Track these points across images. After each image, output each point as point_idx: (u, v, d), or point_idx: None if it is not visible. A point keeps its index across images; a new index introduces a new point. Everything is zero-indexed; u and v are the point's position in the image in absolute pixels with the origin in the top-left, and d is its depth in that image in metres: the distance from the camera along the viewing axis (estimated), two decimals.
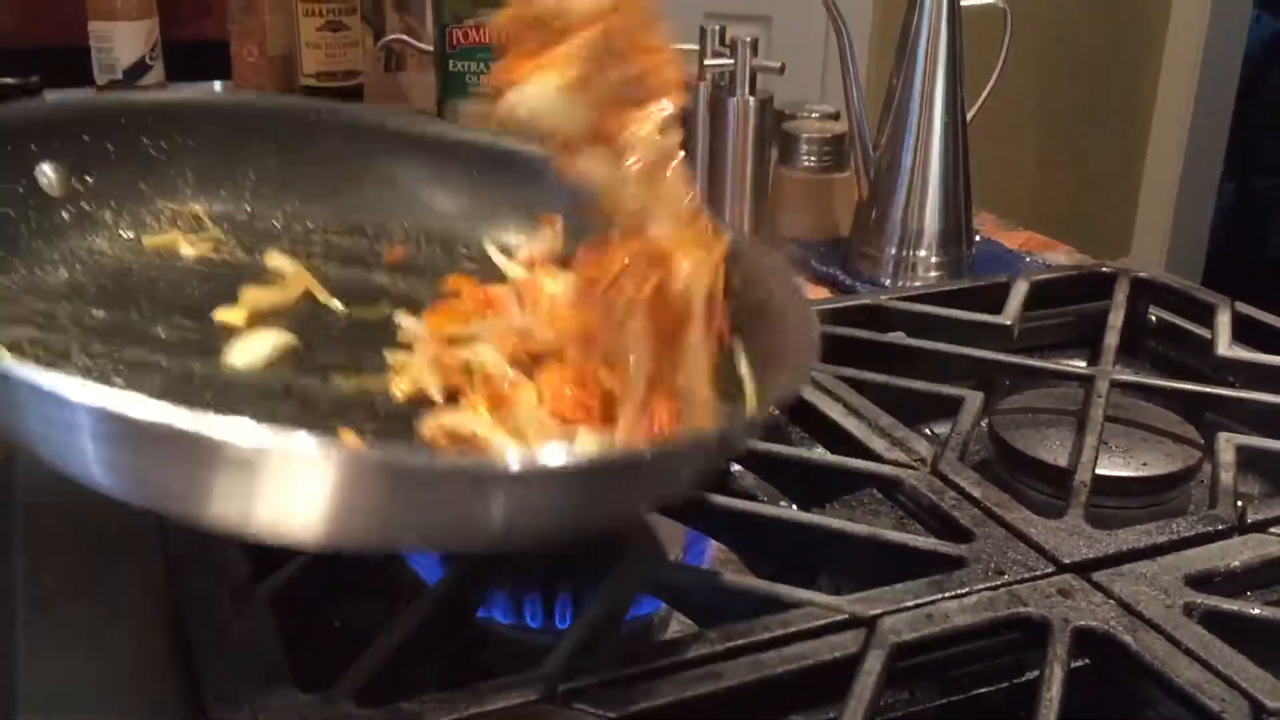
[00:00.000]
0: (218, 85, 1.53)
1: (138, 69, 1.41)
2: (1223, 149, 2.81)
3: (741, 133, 0.96)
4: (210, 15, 2.64)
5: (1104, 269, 0.81)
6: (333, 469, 0.34)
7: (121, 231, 0.56)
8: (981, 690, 0.47)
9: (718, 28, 0.99)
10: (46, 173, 0.55)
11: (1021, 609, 0.46)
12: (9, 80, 2.65)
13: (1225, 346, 0.70)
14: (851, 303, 0.76)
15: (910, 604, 0.46)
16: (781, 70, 0.93)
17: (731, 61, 0.94)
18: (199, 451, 0.34)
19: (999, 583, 0.48)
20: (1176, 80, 2.74)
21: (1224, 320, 0.72)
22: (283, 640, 0.44)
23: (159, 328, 0.53)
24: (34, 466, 0.61)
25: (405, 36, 1.44)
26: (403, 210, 0.61)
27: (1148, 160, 2.80)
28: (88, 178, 0.56)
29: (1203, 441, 0.62)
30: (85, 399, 0.34)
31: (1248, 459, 0.60)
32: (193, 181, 0.59)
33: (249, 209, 0.59)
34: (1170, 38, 2.71)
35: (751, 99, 0.95)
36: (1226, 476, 0.56)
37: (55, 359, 0.48)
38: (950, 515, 0.53)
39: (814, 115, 1.04)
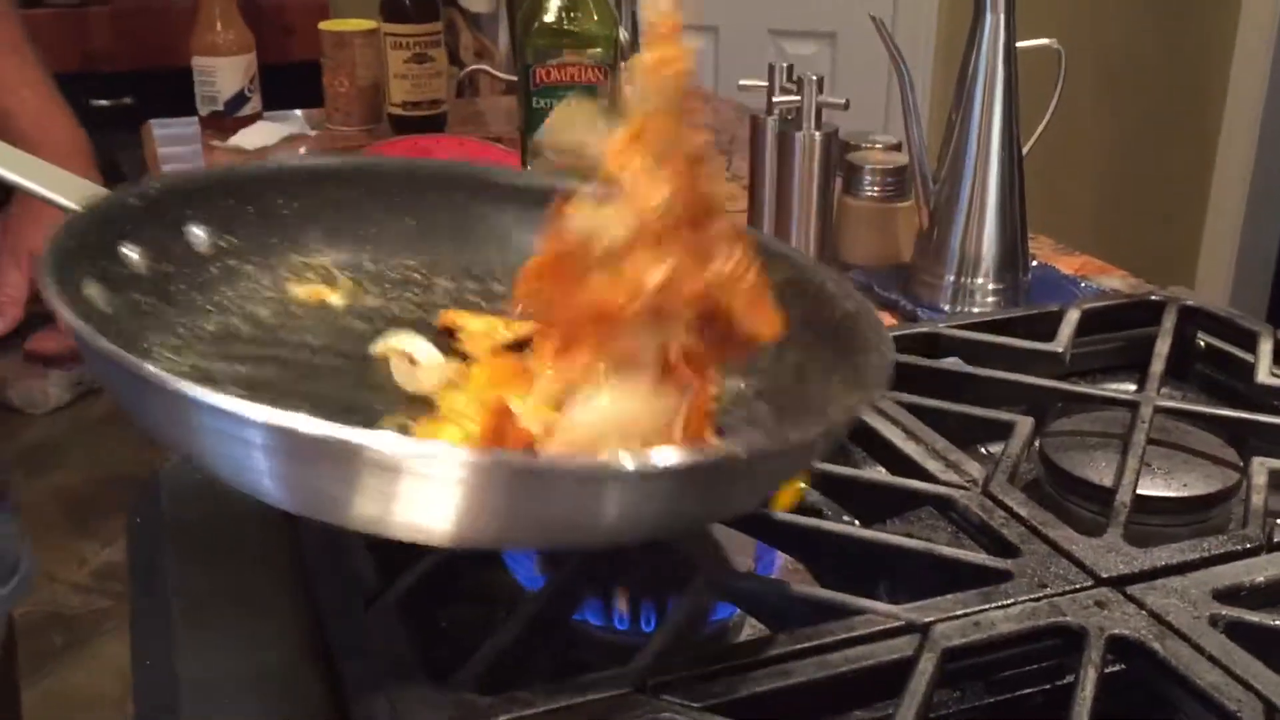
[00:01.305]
0: (297, 113, 1.61)
1: (237, 100, 1.50)
2: None
3: (807, 165, 1.01)
4: (293, 35, 2.76)
5: (1153, 297, 0.85)
6: (471, 473, 0.41)
7: (261, 282, 0.63)
8: (1025, 691, 0.53)
9: (785, 66, 1.05)
10: (196, 234, 0.62)
11: (1061, 618, 0.51)
12: (104, 102, 2.78)
13: (1265, 374, 0.75)
14: (911, 330, 0.82)
15: (960, 613, 0.52)
16: (846, 106, 0.98)
17: (799, 98, 1.00)
18: (351, 459, 0.41)
19: (1041, 595, 0.53)
20: (1242, 106, 2.74)
21: (1266, 348, 0.77)
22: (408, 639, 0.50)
23: (309, 358, 0.59)
24: (177, 482, 0.68)
25: (486, 67, 1.51)
26: (505, 253, 0.67)
27: (1213, 186, 2.80)
28: (232, 237, 0.63)
29: (1242, 464, 0.67)
30: (258, 416, 0.41)
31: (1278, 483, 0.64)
32: (320, 237, 0.65)
33: (371, 261, 0.66)
34: (1235, 67, 2.71)
35: (817, 134, 1.00)
36: (1258, 498, 0.61)
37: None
38: (999, 532, 0.58)
39: (877, 146, 1.09)
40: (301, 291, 0.64)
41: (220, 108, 1.50)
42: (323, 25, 1.53)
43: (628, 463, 0.42)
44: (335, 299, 0.64)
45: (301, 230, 0.65)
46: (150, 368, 0.43)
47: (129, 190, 0.60)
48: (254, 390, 0.55)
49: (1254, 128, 2.72)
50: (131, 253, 0.58)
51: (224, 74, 1.48)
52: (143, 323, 0.57)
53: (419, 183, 0.68)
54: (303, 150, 1.48)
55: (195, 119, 1.53)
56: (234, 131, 1.48)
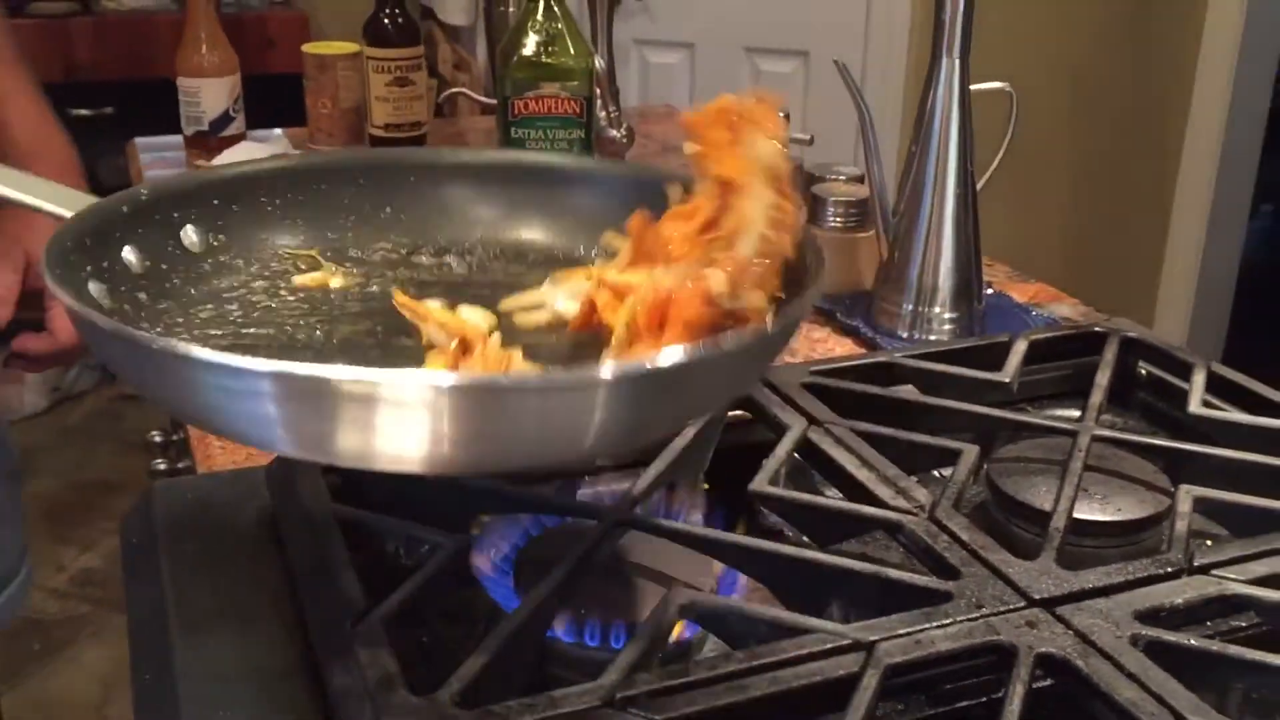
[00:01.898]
0: (278, 132, 1.64)
1: (222, 120, 1.53)
2: (1253, 180, 2.87)
3: None
4: (275, 48, 2.79)
5: (1096, 328, 0.90)
6: (441, 397, 0.44)
7: (251, 274, 0.68)
8: (963, 704, 0.57)
9: None
10: (189, 234, 0.66)
11: (994, 637, 0.56)
12: (85, 112, 2.80)
13: (1197, 405, 0.79)
14: (869, 360, 0.86)
15: (903, 631, 0.56)
16: (811, 142, 1.03)
17: None
18: (330, 393, 0.44)
19: (978, 614, 0.58)
20: (1201, 136, 2.81)
21: (1199, 379, 0.82)
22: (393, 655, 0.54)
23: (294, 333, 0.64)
24: (169, 501, 0.72)
25: (466, 90, 1.55)
26: (469, 227, 0.72)
27: (1173, 216, 2.87)
28: (222, 235, 0.67)
29: (1173, 490, 0.71)
30: (259, 366, 0.45)
31: (1206, 508, 0.69)
32: (303, 228, 0.70)
33: (354, 247, 0.71)
34: (1195, 100, 2.78)
35: None
36: (1181, 524, 0.65)
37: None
38: (942, 556, 0.63)
39: (841, 178, 1.14)
40: (301, 279, 0.68)
41: (205, 128, 1.53)
42: (306, 48, 1.56)
43: (604, 372, 0.46)
44: (336, 282, 0.68)
45: (286, 224, 0.69)
46: (149, 335, 0.48)
47: (122, 197, 0.64)
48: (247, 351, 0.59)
49: (1213, 158, 2.79)
50: (129, 254, 0.62)
51: (209, 94, 1.52)
52: (142, 314, 0.61)
53: (387, 171, 0.73)
54: None
55: (180, 138, 1.56)
56: (219, 151, 1.51)
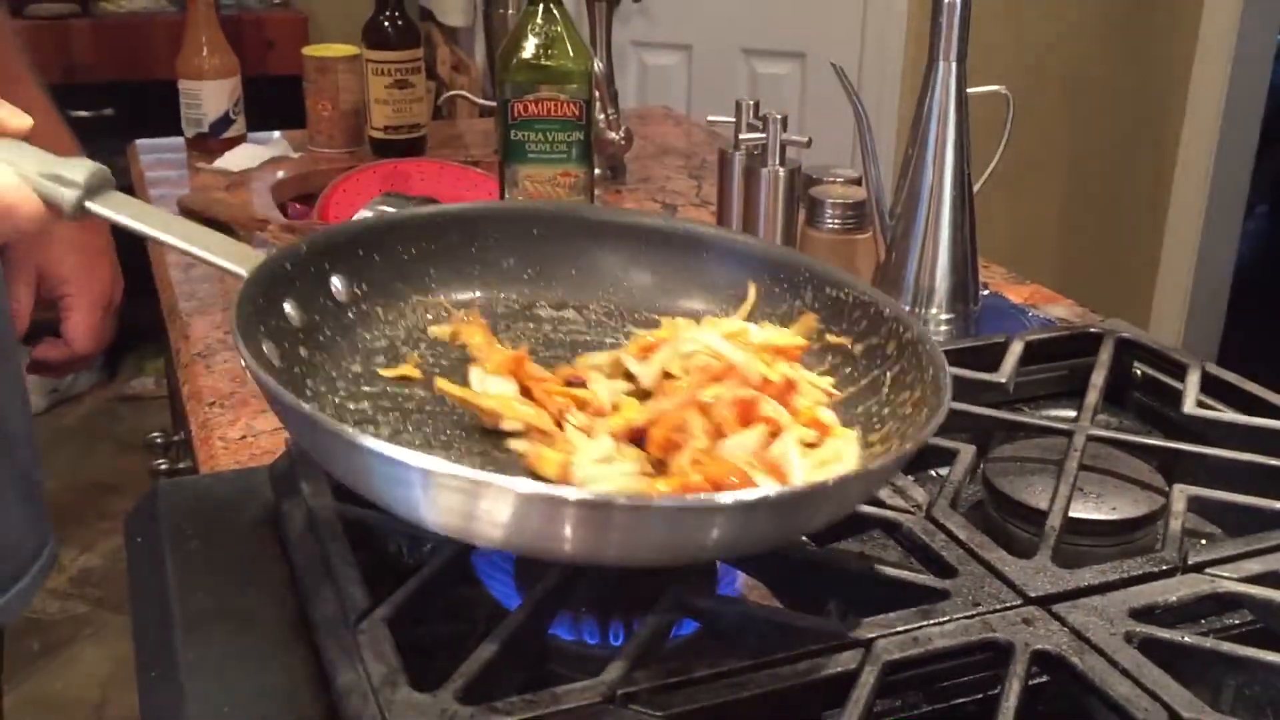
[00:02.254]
0: (277, 134, 1.65)
1: (222, 123, 1.54)
2: (1248, 183, 2.89)
3: (772, 199, 1.07)
4: (274, 49, 2.79)
5: (1091, 329, 0.91)
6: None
7: (391, 323, 0.71)
8: (959, 700, 0.58)
9: (751, 103, 1.10)
10: (336, 284, 0.69)
11: (991, 634, 0.57)
12: (84, 113, 2.80)
13: (1192, 405, 0.80)
14: None
15: (900, 629, 0.57)
16: (808, 145, 1.04)
17: (764, 136, 1.05)
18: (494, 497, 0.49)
19: (974, 612, 0.58)
20: (1198, 137, 2.82)
21: (1193, 379, 0.82)
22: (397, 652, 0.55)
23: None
24: (174, 502, 0.73)
25: (465, 93, 1.56)
26: (604, 288, 0.76)
27: (1169, 218, 2.88)
28: (364, 284, 0.71)
29: (1168, 489, 0.72)
30: (424, 465, 0.50)
31: (1200, 507, 0.70)
32: (436, 278, 0.74)
33: (481, 296, 0.75)
34: (1191, 99, 2.79)
35: (781, 169, 1.06)
36: (1175, 523, 0.66)
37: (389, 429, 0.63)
38: (939, 554, 0.63)
39: (839, 180, 1.15)
40: (436, 330, 0.71)
41: (205, 130, 1.54)
42: (305, 50, 1.57)
43: (729, 498, 0.51)
44: (469, 336, 0.70)
45: (420, 273, 0.73)
46: (343, 428, 0.52)
47: (284, 254, 0.67)
48: (401, 425, 0.64)
49: (1208, 160, 2.81)
50: (290, 308, 0.66)
51: (209, 97, 1.52)
52: (304, 370, 0.65)
53: (515, 223, 0.76)
54: (280, 174, 1.52)
55: (180, 140, 1.57)
56: (219, 153, 1.52)
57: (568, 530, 0.50)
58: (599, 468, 0.59)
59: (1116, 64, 2.72)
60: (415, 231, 0.73)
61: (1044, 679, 0.57)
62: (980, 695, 0.58)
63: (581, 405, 0.63)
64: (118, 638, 2.23)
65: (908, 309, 1.01)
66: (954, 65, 0.95)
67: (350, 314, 0.70)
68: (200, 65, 1.52)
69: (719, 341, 0.65)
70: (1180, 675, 0.54)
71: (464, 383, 0.66)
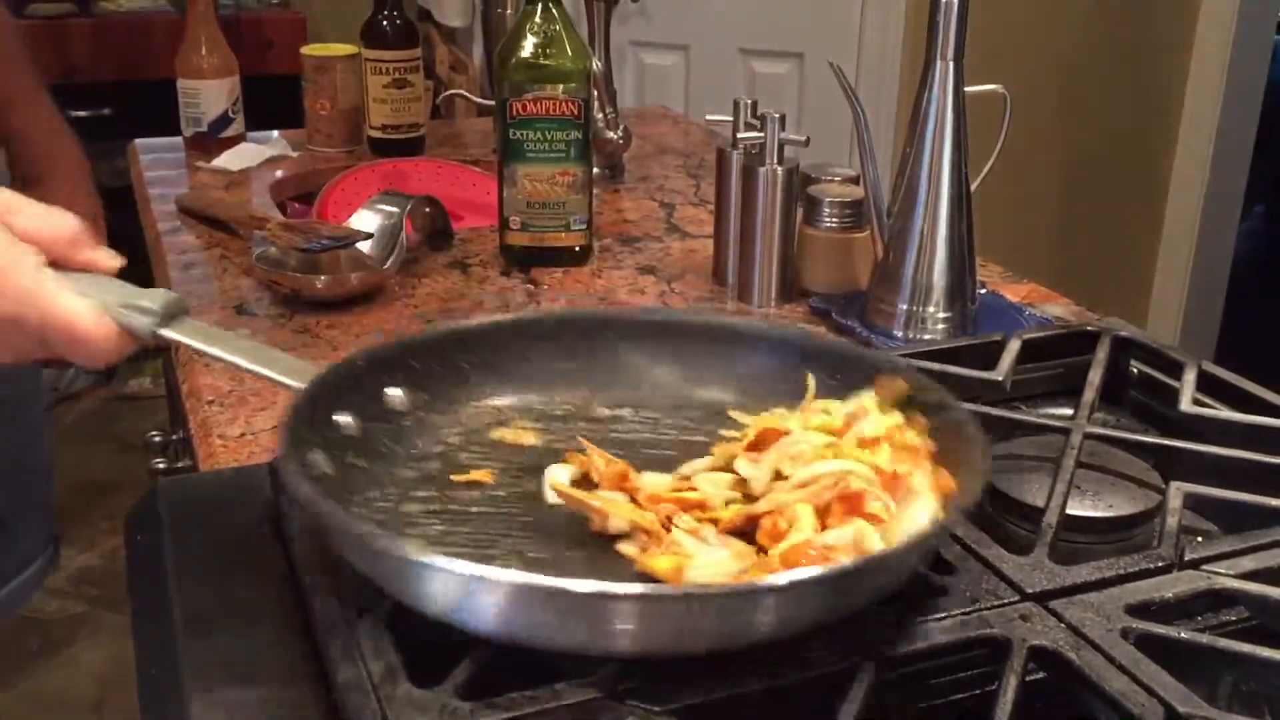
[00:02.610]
0: (276, 134, 1.65)
1: (221, 122, 1.54)
2: (1244, 182, 2.89)
3: (770, 197, 1.07)
4: (272, 49, 2.79)
5: (1088, 328, 0.91)
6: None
7: (445, 430, 0.73)
8: (956, 697, 0.58)
9: (749, 102, 1.11)
10: (393, 394, 0.72)
11: (988, 630, 0.57)
12: (83, 113, 2.81)
13: (1188, 403, 0.80)
14: None
15: (898, 625, 0.57)
16: (806, 143, 1.04)
17: (762, 135, 1.06)
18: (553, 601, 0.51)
19: (972, 609, 0.59)
20: (1194, 138, 2.83)
21: (1190, 378, 0.83)
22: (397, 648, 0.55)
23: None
24: (174, 497, 0.73)
25: (464, 91, 1.56)
26: (650, 387, 0.77)
27: (1166, 217, 2.89)
28: (424, 393, 0.72)
29: (1164, 487, 0.72)
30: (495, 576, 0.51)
31: (1196, 504, 0.70)
32: (495, 384, 0.76)
33: (538, 401, 0.76)
34: (1189, 99, 2.80)
35: (779, 168, 1.06)
36: (1172, 520, 0.66)
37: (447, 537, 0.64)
38: (937, 551, 0.64)
39: (837, 179, 1.15)
40: (496, 434, 0.73)
41: (204, 129, 1.54)
42: (304, 50, 1.57)
43: (772, 581, 0.53)
44: (528, 439, 0.73)
45: (481, 381, 0.75)
46: (391, 541, 0.55)
47: (340, 366, 0.70)
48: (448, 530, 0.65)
49: (1205, 159, 2.81)
50: (344, 418, 0.68)
51: (208, 96, 1.53)
52: (357, 478, 0.67)
53: (572, 328, 0.78)
54: (279, 173, 1.52)
55: (179, 139, 1.57)
56: (217, 153, 1.52)
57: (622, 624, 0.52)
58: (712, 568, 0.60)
59: (1113, 64, 2.72)
60: (477, 340, 0.76)
61: (1041, 675, 0.57)
62: (977, 691, 0.58)
63: (688, 508, 0.64)
64: (116, 637, 2.23)
65: (904, 307, 1.01)
66: (951, 64, 0.96)
67: (406, 421, 0.72)
68: (199, 64, 1.52)
69: (834, 464, 0.64)
70: (1177, 671, 0.55)
71: (538, 484, 0.68)
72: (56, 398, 3.07)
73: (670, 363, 0.77)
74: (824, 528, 0.59)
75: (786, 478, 0.63)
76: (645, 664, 0.54)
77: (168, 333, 0.66)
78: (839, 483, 0.61)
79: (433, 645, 0.55)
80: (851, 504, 0.60)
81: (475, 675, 0.53)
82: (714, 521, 0.62)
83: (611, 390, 0.77)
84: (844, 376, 0.73)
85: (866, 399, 0.69)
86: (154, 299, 0.66)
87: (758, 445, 0.67)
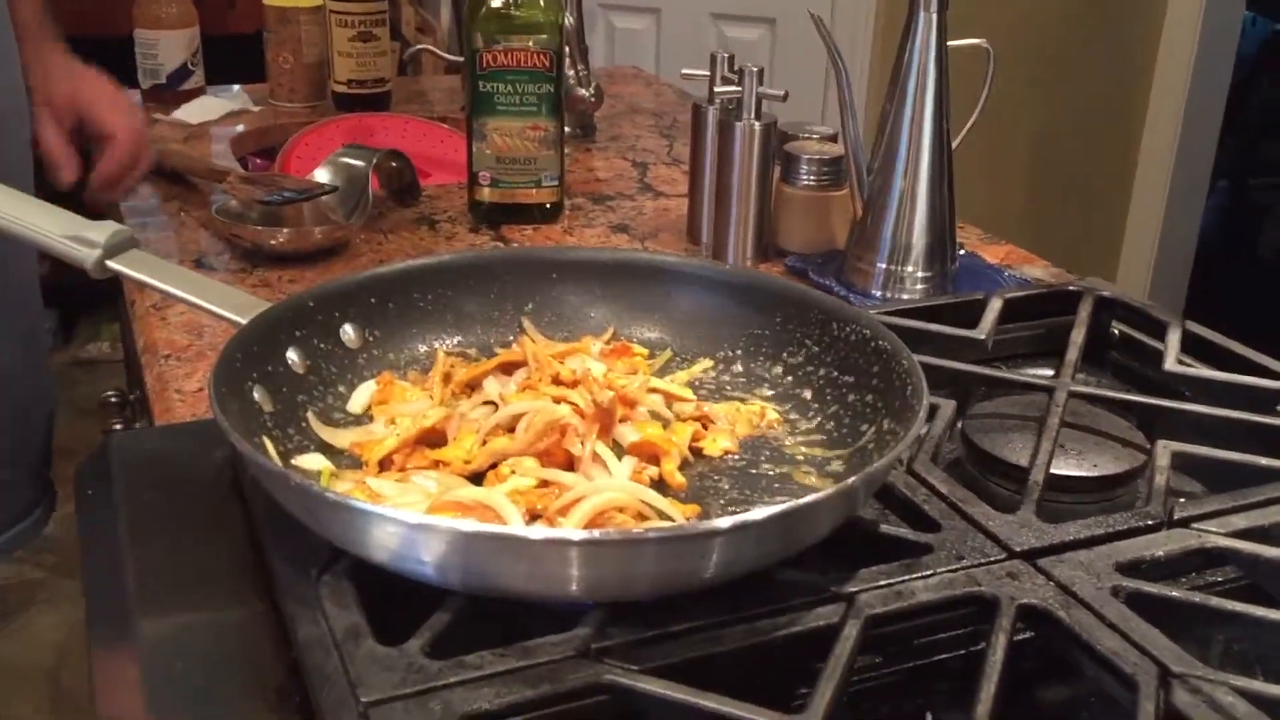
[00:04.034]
0: (237, 88, 1.61)
1: (180, 74, 1.50)
2: (1212, 156, 2.89)
3: (747, 154, 1.04)
4: (234, 7, 2.72)
5: (1070, 287, 0.89)
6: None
7: (402, 369, 0.74)
8: (942, 656, 0.56)
9: (726, 56, 1.08)
10: (348, 331, 0.72)
11: (975, 588, 0.55)
12: None
13: (1172, 362, 0.79)
14: None
15: (883, 583, 0.55)
16: (784, 98, 1.01)
17: (739, 89, 1.03)
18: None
19: (958, 566, 0.57)
20: (1166, 101, 2.82)
21: (1174, 338, 0.81)
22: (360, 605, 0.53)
23: None
24: (127, 453, 0.70)
25: (431, 47, 1.52)
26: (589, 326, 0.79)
27: (1136, 178, 2.89)
28: (376, 331, 0.73)
29: (1149, 446, 0.71)
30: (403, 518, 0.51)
31: (1183, 463, 0.69)
32: (451, 322, 0.77)
33: (490, 338, 0.77)
34: (1160, 63, 2.79)
35: (756, 124, 1.03)
36: (1160, 478, 0.65)
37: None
38: (921, 509, 0.62)
39: (815, 136, 1.12)
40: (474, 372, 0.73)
41: (163, 81, 1.49)
42: (267, 0, 1.52)
43: (724, 522, 0.50)
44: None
45: (435, 320, 0.76)
46: (315, 487, 0.54)
47: (289, 303, 0.70)
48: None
49: (1176, 122, 2.81)
50: (293, 355, 0.68)
51: (166, 47, 1.48)
52: (299, 411, 0.67)
53: (529, 268, 0.79)
54: (240, 127, 1.48)
55: (137, 92, 1.52)
56: (176, 105, 1.47)
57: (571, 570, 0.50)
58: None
59: (1088, 33, 2.71)
60: (433, 279, 0.76)
61: (1029, 634, 0.55)
62: (963, 651, 0.56)
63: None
64: (73, 604, 2.18)
65: (883, 267, 0.99)
66: (935, 16, 0.93)
67: (361, 359, 0.72)
68: (157, 14, 1.47)
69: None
70: (1168, 630, 0.53)
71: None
72: None
73: (611, 302, 0.79)
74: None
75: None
76: (621, 621, 0.51)
77: (113, 264, 0.64)
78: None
79: (400, 600, 0.53)
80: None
81: (444, 632, 0.51)
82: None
83: (554, 328, 0.78)
84: (784, 319, 0.75)
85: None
86: (100, 231, 0.64)
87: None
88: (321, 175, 1.12)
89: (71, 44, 1.24)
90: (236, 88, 1.59)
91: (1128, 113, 2.82)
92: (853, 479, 0.54)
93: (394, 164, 1.19)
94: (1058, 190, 2.84)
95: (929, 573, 0.56)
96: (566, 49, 1.28)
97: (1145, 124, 2.82)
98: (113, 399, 1.30)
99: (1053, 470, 0.67)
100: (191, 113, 1.46)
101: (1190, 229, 2.92)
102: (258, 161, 1.44)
